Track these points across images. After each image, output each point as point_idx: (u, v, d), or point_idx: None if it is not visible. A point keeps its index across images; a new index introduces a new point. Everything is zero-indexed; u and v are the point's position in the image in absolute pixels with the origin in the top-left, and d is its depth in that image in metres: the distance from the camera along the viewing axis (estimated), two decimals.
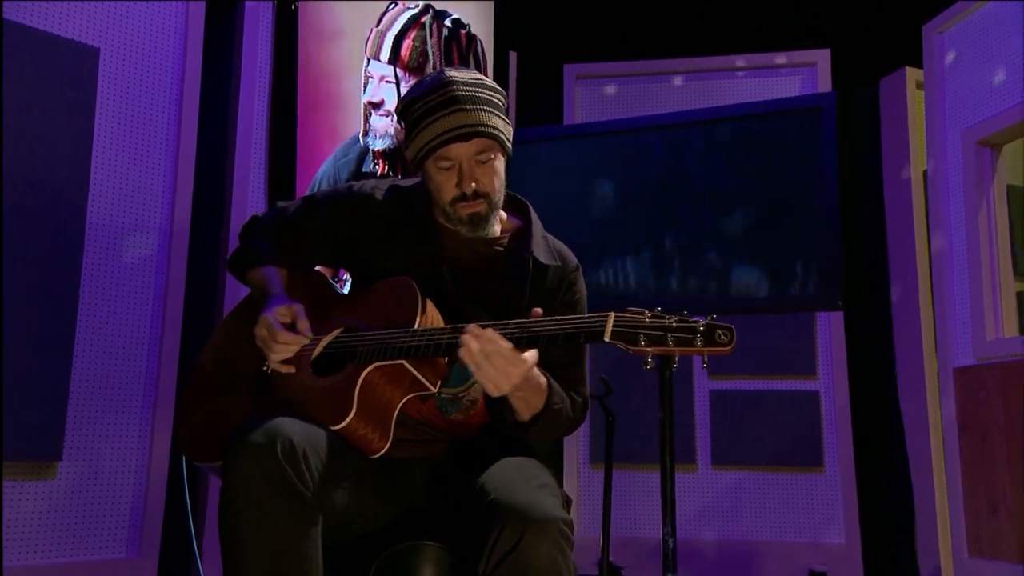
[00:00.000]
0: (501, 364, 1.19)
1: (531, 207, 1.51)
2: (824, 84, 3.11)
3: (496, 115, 1.38)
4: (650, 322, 1.15)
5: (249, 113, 2.54)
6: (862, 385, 3.07)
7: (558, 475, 3.11)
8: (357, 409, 1.25)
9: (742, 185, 2.25)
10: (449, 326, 1.28)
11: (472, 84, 1.38)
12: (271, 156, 2.45)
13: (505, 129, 1.40)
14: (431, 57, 2.53)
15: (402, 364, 1.27)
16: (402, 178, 1.85)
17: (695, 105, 3.01)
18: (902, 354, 3.03)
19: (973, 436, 2.62)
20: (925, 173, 2.96)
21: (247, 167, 2.53)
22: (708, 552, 3.04)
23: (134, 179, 2.38)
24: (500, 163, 1.40)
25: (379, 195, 1.46)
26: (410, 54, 2.51)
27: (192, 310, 2.43)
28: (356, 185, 1.50)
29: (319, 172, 2.53)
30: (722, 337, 1.13)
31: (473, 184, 1.36)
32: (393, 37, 2.46)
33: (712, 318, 1.15)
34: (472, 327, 1.21)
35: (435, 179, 1.39)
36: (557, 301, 1.42)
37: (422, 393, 1.30)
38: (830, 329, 3.06)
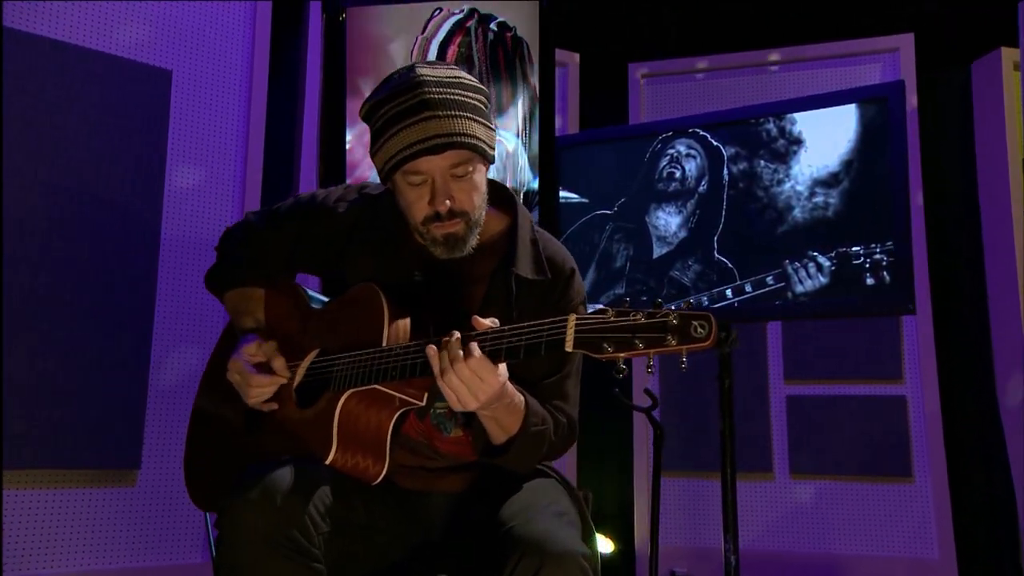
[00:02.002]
0: (467, 375, 1.04)
1: (518, 201, 1.31)
2: (907, 71, 2.86)
3: (475, 121, 1.18)
4: (614, 322, 0.97)
5: (313, 128, 2.51)
6: (955, 389, 2.81)
7: (627, 483, 2.97)
8: (339, 442, 1.16)
9: (807, 184, 2.05)
10: (414, 343, 1.13)
11: (447, 84, 1.17)
12: (321, 167, 2.41)
13: (486, 136, 1.20)
14: (476, 62, 2.45)
15: (376, 388, 1.15)
16: None
17: (769, 100, 2.81)
18: (1001, 355, 2.75)
19: None
20: None
21: (312, 182, 2.50)
22: (786, 565, 2.84)
23: (204, 197, 2.39)
24: (480, 175, 1.21)
25: (343, 206, 1.32)
26: (455, 60, 2.44)
27: None
28: (322, 193, 1.36)
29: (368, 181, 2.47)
30: (699, 331, 0.93)
31: (448, 202, 1.17)
32: (439, 44, 2.40)
33: (688, 304, 0.97)
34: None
35: (405, 195, 1.20)
36: (547, 312, 1.19)
37: (411, 407, 1.19)
38: (917, 330, 2.81)
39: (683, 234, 2.11)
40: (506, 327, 1.06)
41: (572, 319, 0.99)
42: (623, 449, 2.99)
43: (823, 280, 1.92)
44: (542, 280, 1.26)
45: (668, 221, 2.13)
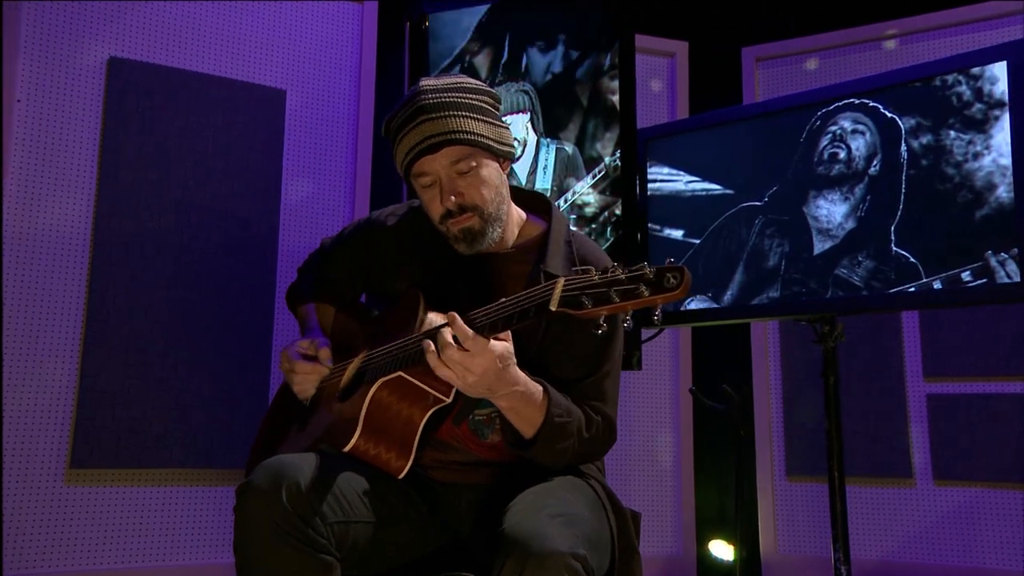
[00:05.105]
0: (455, 356, 1.01)
1: (554, 206, 1.27)
2: None
3: (472, 118, 1.15)
4: (598, 280, 0.93)
5: None
6: None
7: (750, 488, 2.59)
8: (363, 429, 1.12)
9: (918, 162, 1.59)
10: (434, 327, 1.08)
11: (443, 90, 1.16)
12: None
13: (488, 131, 1.17)
14: (561, 56, 2.16)
15: (402, 377, 1.12)
16: None
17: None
18: None
19: None
20: None
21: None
22: None
23: (317, 208, 2.33)
24: (488, 169, 1.17)
25: (393, 219, 1.32)
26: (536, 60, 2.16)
27: None
28: (375, 213, 1.38)
29: None
30: (671, 280, 0.89)
31: (453, 197, 1.15)
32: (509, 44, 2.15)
33: (670, 261, 0.91)
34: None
35: (422, 198, 1.20)
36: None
37: (441, 406, 1.14)
38: None
39: (851, 225, 1.66)
40: (503, 299, 1.02)
41: (561, 281, 0.96)
42: (745, 451, 2.59)
43: (922, 265, 1.45)
44: None
45: (831, 211, 1.67)
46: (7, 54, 2.00)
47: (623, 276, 0.92)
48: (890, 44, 2.47)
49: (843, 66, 2.59)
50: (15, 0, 2.00)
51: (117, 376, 2.01)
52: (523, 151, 2.06)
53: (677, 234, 1.97)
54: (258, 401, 2.14)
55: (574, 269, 0.97)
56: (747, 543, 2.55)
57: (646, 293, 0.89)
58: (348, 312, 1.39)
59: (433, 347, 1.03)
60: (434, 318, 1.14)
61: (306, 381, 1.23)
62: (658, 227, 2.02)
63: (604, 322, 0.93)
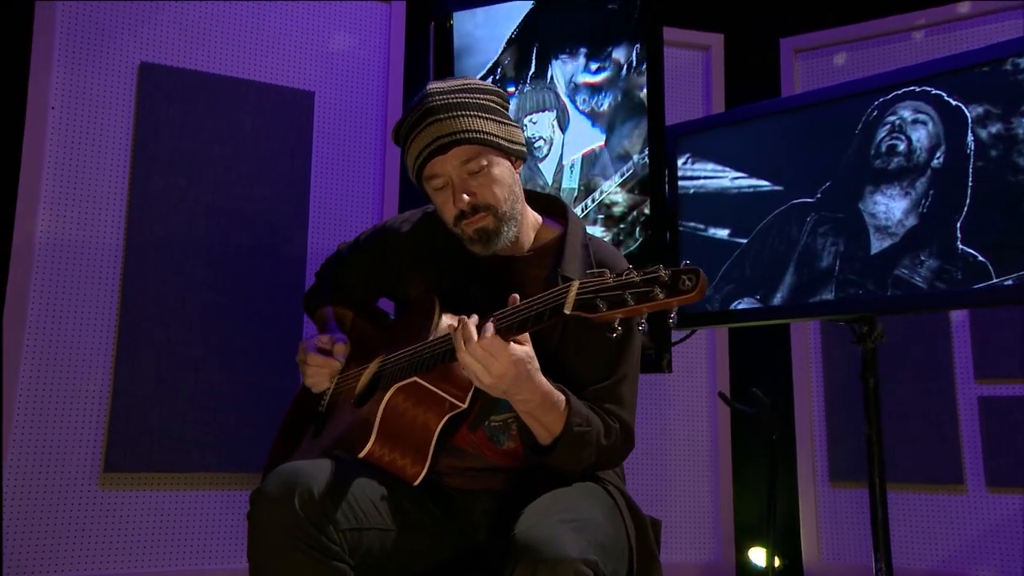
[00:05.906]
0: (479, 353, 1.00)
1: (570, 209, 1.25)
2: None
3: (482, 117, 1.15)
4: (613, 283, 0.91)
5: None
6: None
7: (790, 495, 2.48)
8: (378, 435, 1.10)
9: (986, 152, 1.47)
10: (441, 334, 1.09)
11: (451, 91, 1.16)
12: None
13: (498, 130, 1.16)
14: (582, 57, 2.10)
15: (418, 382, 1.10)
16: None
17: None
18: None
19: None
20: None
21: None
22: None
23: (345, 210, 2.31)
24: (500, 168, 1.15)
25: (407, 226, 1.31)
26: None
27: None
28: (390, 219, 1.37)
29: None
30: (686, 283, 0.87)
31: (466, 197, 1.14)
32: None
33: (686, 263, 0.88)
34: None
35: (435, 201, 1.19)
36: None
37: (457, 411, 1.12)
38: None
39: (912, 222, 1.55)
40: (520, 304, 1.01)
41: (575, 284, 0.94)
42: (787, 457, 2.49)
43: (976, 260, 1.34)
44: None
45: (890, 207, 1.56)
46: (40, 63, 2.00)
47: (638, 279, 0.89)
48: (917, 36, 2.32)
49: (888, 56, 2.46)
50: (49, 0, 2.01)
51: (149, 380, 2.01)
52: (549, 150, 1.99)
53: (722, 233, 1.87)
54: (288, 404, 2.13)
55: (588, 272, 0.95)
56: (787, 550, 2.44)
57: (661, 296, 0.87)
58: (365, 317, 1.38)
59: (456, 345, 1.03)
60: (450, 322, 1.11)
61: (318, 374, 1.22)
62: (702, 226, 1.93)
63: (619, 325, 0.91)
